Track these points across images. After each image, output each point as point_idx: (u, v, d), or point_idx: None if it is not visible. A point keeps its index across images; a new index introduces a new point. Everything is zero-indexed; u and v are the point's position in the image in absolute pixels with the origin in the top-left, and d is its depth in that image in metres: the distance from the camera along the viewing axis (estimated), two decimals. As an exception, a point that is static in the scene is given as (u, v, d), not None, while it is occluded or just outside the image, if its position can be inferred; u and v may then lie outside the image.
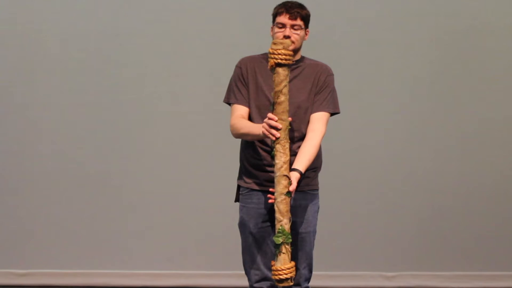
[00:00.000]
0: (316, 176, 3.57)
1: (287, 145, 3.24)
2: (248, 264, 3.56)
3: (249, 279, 3.58)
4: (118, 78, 5.19)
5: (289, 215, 3.26)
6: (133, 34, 5.18)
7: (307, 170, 3.44)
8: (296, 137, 3.45)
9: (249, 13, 5.11)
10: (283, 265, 3.24)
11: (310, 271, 3.59)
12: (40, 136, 5.20)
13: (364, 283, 5.27)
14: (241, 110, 3.47)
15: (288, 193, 3.24)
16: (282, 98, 3.22)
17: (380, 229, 5.27)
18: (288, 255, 3.26)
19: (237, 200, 3.62)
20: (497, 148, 5.30)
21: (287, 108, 3.24)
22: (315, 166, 3.52)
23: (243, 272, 3.61)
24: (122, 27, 5.17)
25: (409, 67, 5.24)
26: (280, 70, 3.21)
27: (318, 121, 3.45)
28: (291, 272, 3.25)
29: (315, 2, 5.08)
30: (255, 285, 3.56)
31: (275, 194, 3.24)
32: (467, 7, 5.23)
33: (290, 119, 3.26)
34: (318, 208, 3.58)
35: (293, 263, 3.28)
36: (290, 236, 3.25)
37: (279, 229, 3.24)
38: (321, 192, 3.61)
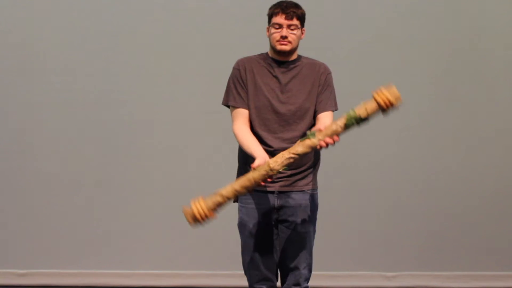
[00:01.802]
0: (315, 176, 3.57)
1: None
2: (248, 264, 3.56)
3: (248, 279, 3.59)
4: (117, 78, 5.19)
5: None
6: (133, 34, 5.18)
7: (307, 169, 3.47)
8: (297, 137, 3.45)
9: (249, 13, 5.11)
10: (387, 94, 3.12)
11: (310, 271, 3.60)
12: (40, 136, 5.20)
13: (364, 283, 5.28)
14: (242, 115, 3.47)
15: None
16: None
17: (380, 229, 5.27)
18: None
19: (235, 200, 3.63)
20: (498, 148, 5.30)
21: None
22: (314, 165, 3.53)
23: (243, 272, 3.62)
24: (122, 27, 5.17)
25: (410, 67, 5.24)
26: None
27: (326, 120, 3.45)
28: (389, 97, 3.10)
29: (317, 2, 5.10)
30: (255, 285, 3.56)
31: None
32: (468, 7, 5.24)
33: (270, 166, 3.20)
34: (318, 207, 3.59)
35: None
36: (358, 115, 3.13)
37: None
38: (321, 192, 3.62)
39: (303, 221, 3.50)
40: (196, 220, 3.21)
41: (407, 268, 5.30)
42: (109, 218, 5.24)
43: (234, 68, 3.55)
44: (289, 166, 3.20)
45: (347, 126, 3.16)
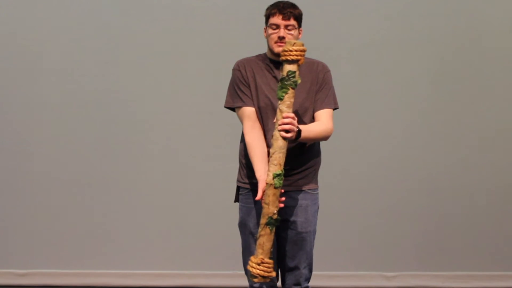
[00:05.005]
0: (316, 176, 3.57)
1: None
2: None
3: (249, 279, 3.59)
4: (117, 78, 5.20)
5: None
6: (132, 34, 5.18)
7: (307, 168, 3.46)
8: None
9: (250, 13, 5.11)
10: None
11: (310, 270, 3.60)
12: (40, 136, 5.20)
13: (364, 283, 5.28)
14: (251, 115, 3.46)
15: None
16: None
17: (380, 229, 5.27)
18: None
19: (236, 200, 3.63)
20: (498, 148, 5.30)
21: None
22: (314, 165, 3.53)
23: (243, 272, 3.61)
24: (121, 27, 5.17)
25: (410, 67, 5.24)
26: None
27: (324, 117, 3.45)
28: None
29: (317, 2, 5.10)
30: (255, 285, 3.56)
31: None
32: (468, 7, 5.24)
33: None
34: (318, 207, 3.59)
35: None
36: None
37: None
38: (321, 192, 3.62)
39: (304, 221, 3.50)
40: (267, 277, 3.27)
41: (407, 268, 5.30)
42: (109, 218, 5.24)
43: (234, 70, 3.55)
44: (281, 162, 3.20)
45: (280, 95, 3.21)
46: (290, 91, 3.21)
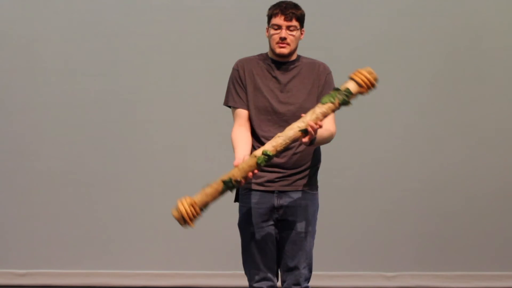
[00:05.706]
0: (316, 176, 3.57)
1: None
2: (248, 264, 3.56)
3: (249, 279, 3.58)
4: (117, 78, 5.20)
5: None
6: (133, 34, 5.18)
7: (307, 168, 3.46)
8: (297, 138, 3.45)
9: (250, 12, 5.11)
10: None
11: (310, 271, 3.59)
12: (41, 136, 5.20)
13: (364, 283, 5.28)
14: (241, 116, 3.47)
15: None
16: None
17: (380, 229, 5.27)
18: None
19: (236, 200, 3.62)
20: (498, 148, 5.30)
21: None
22: (314, 165, 3.53)
23: (243, 272, 3.61)
24: (122, 27, 5.17)
25: (410, 67, 5.24)
26: None
27: (329, 122, 3.44)
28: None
29: (317, 2, 5.10)
30: (255, 285, 3.56)
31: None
32: (468, 7, 5.24)
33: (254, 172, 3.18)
34: (318, 207, 3.58)
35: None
36: None
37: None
38: (321, 192, 3.61)
39: (303, 221, 3.50)
40: (185, 221, 3.15)
41: (407, 268, 5.30)
42: (109, 218, 5.24)
43: (233, 69, 3.54)
44: (277, 148, 3.15)
45: (325, 100, 3.15)
46: (335, 104, 3.15)
